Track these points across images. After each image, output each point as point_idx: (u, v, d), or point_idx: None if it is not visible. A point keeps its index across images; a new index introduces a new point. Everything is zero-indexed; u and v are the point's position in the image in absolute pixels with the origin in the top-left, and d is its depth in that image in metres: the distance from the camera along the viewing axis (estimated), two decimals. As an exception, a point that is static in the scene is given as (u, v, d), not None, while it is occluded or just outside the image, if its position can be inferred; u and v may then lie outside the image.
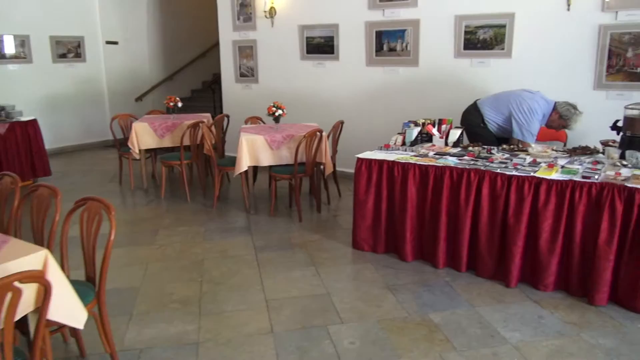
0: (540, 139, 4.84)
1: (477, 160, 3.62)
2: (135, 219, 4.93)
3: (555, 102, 4.20)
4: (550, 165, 3.32)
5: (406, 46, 5.59)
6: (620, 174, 3.08)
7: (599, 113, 4.68)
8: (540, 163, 3.47)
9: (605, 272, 2.98)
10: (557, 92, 4.69)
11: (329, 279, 3.52)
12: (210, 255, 3.97)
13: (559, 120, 4.17)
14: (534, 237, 3.21)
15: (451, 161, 3.62)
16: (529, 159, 3.62)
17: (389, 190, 3.77)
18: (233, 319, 3.01)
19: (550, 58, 4.82)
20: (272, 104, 5.03)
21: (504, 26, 4.97)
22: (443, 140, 4.24)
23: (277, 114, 5.04)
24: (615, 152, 3.45)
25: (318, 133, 4.71)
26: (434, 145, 4.20)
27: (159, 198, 5.53)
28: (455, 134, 4.21)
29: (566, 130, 4.77)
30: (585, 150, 3.68)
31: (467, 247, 3.50)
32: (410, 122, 4.48)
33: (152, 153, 6.08)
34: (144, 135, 5.59)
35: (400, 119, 5.08)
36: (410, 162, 3.65)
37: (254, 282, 3.50)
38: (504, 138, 4.47)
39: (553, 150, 3.77)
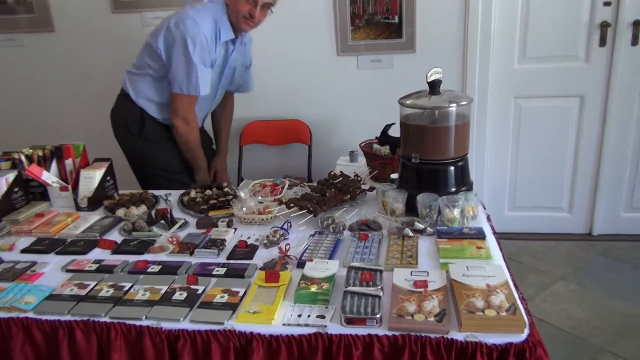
0: (276, 141, 2.98)
1: (114, 266, 1.47)
2: None
3: None
4: (273, 276, 1.34)
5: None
6: (426, 285, 1.27)
7: (352, 93, 2.96)
8: (253, 253, 1.51)
9: None
10: (294, 64, 2.86)
11: None
12: None
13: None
14: None
15: (42, 289, 1.40)
16: (229, 237, 1.63)
17: None
18: None
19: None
20: None
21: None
22: (69, 194, 1.98)
23: None
24: (397, 199, 1.66)
25: None
26: (43, 214, 1.90)
27: None
28: (87, 186, 1.97)
29: (310, 128, 2.96)
30: (346, 190, 1.83)
31: None
32: (2, 157, 2.10)
33: None
34: None
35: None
36: None
37: None
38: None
39: (279, 199, 1.82)
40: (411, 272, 1.34)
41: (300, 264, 1.43)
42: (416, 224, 1.58)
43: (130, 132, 2.32)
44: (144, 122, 2.27)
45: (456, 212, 1.58)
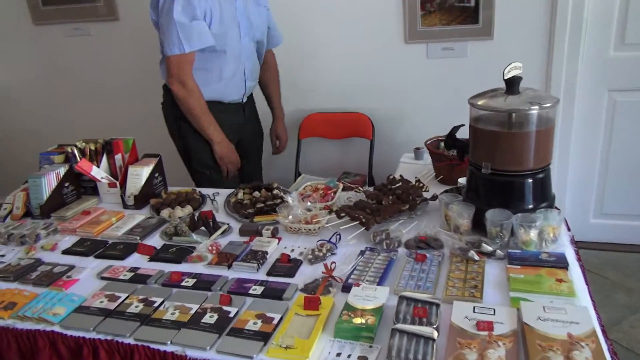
0: (337, 134, 2.82)
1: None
2: None
3: None
4: (312, 304, 1.18)
5: (88, -17, 3.03)
6: (491, 327, 1.06)
7: (420, 85, 2.73)
8: (296, 270, 1.35)
9: None
10: (357, 52, 2.67)
11: None
12: None
13: None
14: None
15: (73, 299, 1.33)
16: (272, 249, 1.48)
17: None
18: None
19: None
20: None
21: None
22: (117, 191, 1.93)
23: None
24: (462, 214, 1.44)
25: None
26: (89, 212, 1.85)
27: None
28: (134, 184, 1.90)
29: (372, 122, 2.77)
30: (405, 198, 1.63)
31: None
32: (57, 150, 2.09)
33: None
34: None
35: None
36: (-42, 317, 1.29)
37: None
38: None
39: (329, 206, 1.65)
40: (474, 307, 1.13)
41: (346, 288, 1.26)
42: (483, 245, 1.36)
43: (174, 124, 2.23)
44: (181, 111, 2.14)
45: (533, 234, 1.34)
